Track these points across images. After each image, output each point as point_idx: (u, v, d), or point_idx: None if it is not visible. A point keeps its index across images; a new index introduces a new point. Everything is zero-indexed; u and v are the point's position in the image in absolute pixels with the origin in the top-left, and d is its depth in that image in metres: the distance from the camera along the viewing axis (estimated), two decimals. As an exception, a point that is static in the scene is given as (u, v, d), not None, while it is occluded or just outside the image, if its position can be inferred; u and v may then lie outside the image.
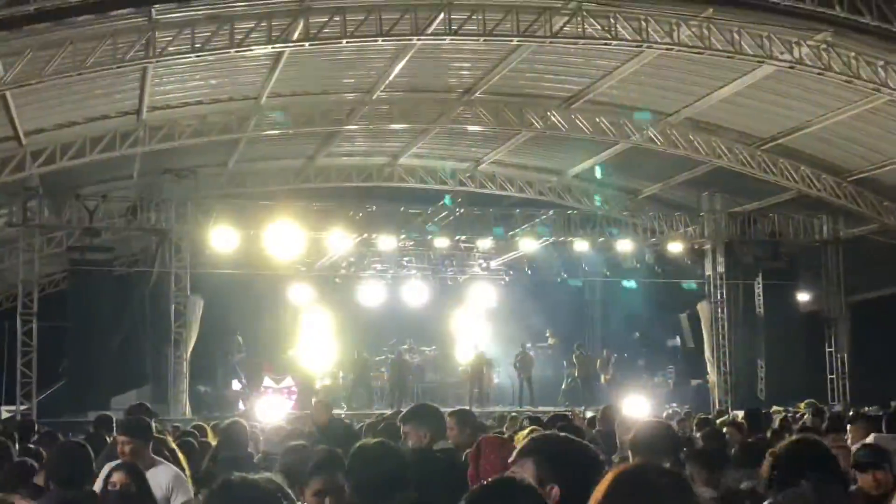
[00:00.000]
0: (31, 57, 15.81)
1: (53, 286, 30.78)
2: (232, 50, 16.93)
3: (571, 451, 3.39)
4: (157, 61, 17.04)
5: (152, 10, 15.78)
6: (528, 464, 3.36)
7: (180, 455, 7.52)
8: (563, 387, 28.89)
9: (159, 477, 6.46)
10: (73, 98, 19.27)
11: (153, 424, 7.37)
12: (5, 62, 15.80)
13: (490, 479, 3.03)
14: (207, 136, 21.74)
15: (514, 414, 16.72)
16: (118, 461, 6.31)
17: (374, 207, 26.33)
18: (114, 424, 11.56)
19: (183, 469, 7.05)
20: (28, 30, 15.36)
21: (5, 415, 24.34)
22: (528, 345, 29.33)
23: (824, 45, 17.66)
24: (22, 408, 22.16)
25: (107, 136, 21.48)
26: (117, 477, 5.77)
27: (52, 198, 23.35)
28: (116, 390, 23.21)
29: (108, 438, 9.57)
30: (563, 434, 3.43)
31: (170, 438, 9.17)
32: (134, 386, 24.56)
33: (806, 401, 19.72)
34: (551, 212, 26.93)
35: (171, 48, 16.45)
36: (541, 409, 22.70)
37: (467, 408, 8.70)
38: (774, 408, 19.71)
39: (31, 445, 9.74)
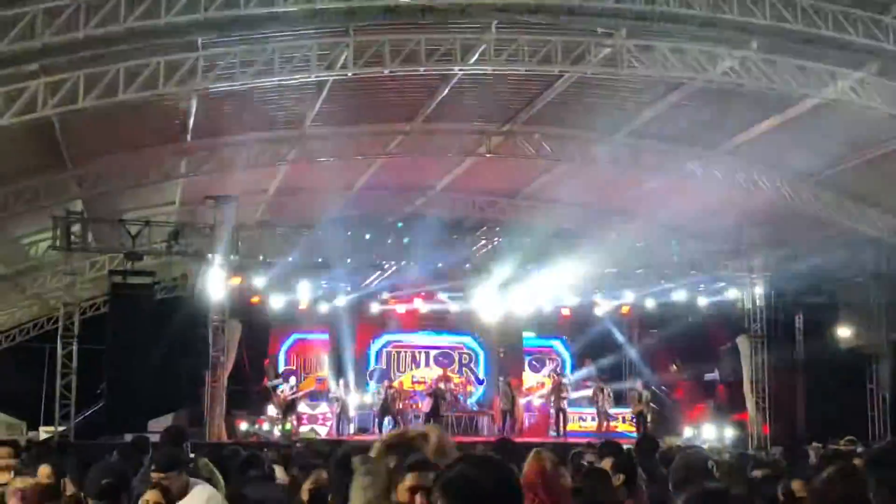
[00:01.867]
0: (76, 83, 16.04)
1: (94, 309, 31.15)
2: (275, 78, 17.11)
3: (479, 481, 3.25)
4: (201, 89, 17.26)
5: (198, 38, 15.99)
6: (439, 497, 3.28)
7: (219, 476, 7.67)
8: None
9: (195, 499, 6.60)
10: (118, 124, 19.51)
11: (186, 449, 7.51)
12: (52, 88, 16.04)
13: None
14: (249, 164, 21.99)
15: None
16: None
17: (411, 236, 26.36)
18: (150, 446, 11.67)
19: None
20: (75, 57, 15.62)
21: (43, 435, 24.59)
22: (568, 374, 29.44)
23: (868, 79, 17.52)
24: (60, 429, 22.35)
25: (151, 162, 21.84)
26: (150, 496, 6.02)
27: (96, 222, 23.64)
28: (153, 413, 23.39)
29: (144, 460, 9.66)
30: (478, 462, 3.28)
31: (206, 460, 9.23)
32: (171, 409, 24.76)
33: (846, 438, 19.41)
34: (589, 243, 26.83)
35: (215, 76, 16.63)
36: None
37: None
38: (814, 444, 19.42)
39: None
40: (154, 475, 6.79)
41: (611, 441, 9.61)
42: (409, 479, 4.54)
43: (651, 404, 28.20)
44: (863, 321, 26.77)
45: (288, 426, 25.94)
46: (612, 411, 28.66)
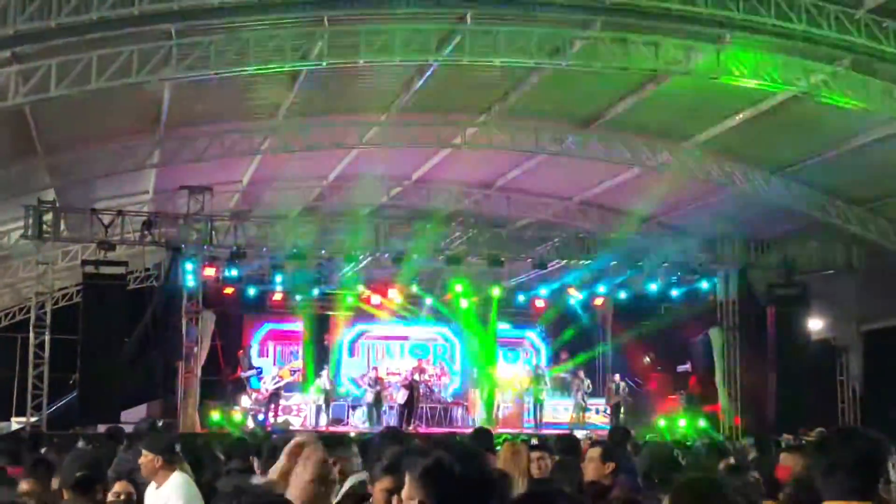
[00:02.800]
0: (48, 71, 15.93)
1: (67, 299, 30.97)
2: (249, 67, 17.03)
3: (457, 469, 3.30)
4: (174, 78, 17.16)
5: (171, 27, 15.91)
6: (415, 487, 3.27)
7: (187, 468, 7.69)
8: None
9: (169, 485, 6.80)
10: (90, 113, 19.39)
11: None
12: (24, 75, 15.93)
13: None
14: (223, 154, 21.92)
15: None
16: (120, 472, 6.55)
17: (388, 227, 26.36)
18: (124, 437, 11.67)
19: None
20: (47, 45, 15.51)
21: (15, 426, 24.45)
22: (544, 365, 29.56)
23: (842, 72, 17.66)
24: (32, 419, 22.22)
25: (124, 152, 21.71)
26: (119, 486, 6.07)
27: (68, 211, 23.49)
28: (127, 404, 23.31)
29: (119, 449, 9.67)
30: (456, 453, 3.29)
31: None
32: (144, 400, 24.67)
33: (816, 429, 19.58)
34: (563, 235, 26.93)
35: (189, 65, 16.54)
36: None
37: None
38: (784, 435, 19.61)
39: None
40: (144, 453, 6.89)
41: (565, 436, 9.58)
42: (385, 482, 4.59)
43: (627, 397, 28.33)
44: (834, 313, 27.00)
45: (261, 417, 25.91)
46: (589, 402, 28.80)
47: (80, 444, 11.48)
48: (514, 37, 17.07)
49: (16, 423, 25.54)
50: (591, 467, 7.15)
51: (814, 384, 25.26)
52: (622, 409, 27.83)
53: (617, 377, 28.66)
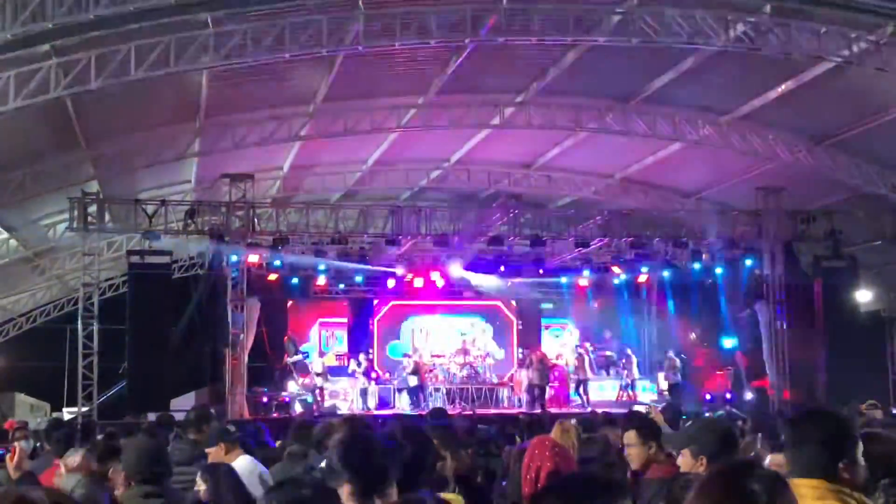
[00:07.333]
0: (88, 63, 16.05)
1: (114, 290, 31.33)
2: (286, 54, 17.05)
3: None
4: (212, 66, 17.23)
5: (207, 16, 15.96)
6: None
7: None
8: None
9: (237, 467, 6.70)
10: (131, 104, 19.53)
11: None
12: (64, 68, 16.07)
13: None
14: (263, 141, 22.02)
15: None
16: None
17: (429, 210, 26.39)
18: (175, 424, 11.77)
19: None
20: (86, 37, 15.64)
21: (67, 416, 24.77)
22: (588, 345, 29.40)
23: (884, 41, 17.33)
24: (83, 409, 22.52)
25: (165, 141, 21.89)
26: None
27: (112, 203, 23.74)
28: (175, 392, 23.53)
29: (169, 437, 9.77)
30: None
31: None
32: (193, 387, 24.89)
33: (868, 401, 19.31)
34: (606, 213, 26.74)
35: (226, 53, 16.58)
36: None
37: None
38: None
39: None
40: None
41: (634, 412, 9.45)
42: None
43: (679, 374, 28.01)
44: (882, 285, 26.64)
45: (310, 399, 26.07)
46: (637, 381, 28.64)
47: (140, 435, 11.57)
48: (549, 14, 16.94)
49: (67, 413, 25.90)
50: (634, 452, 6.88)
51: (863, 357, 24.89)
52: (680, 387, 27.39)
53: (671, 353, 28.21)
